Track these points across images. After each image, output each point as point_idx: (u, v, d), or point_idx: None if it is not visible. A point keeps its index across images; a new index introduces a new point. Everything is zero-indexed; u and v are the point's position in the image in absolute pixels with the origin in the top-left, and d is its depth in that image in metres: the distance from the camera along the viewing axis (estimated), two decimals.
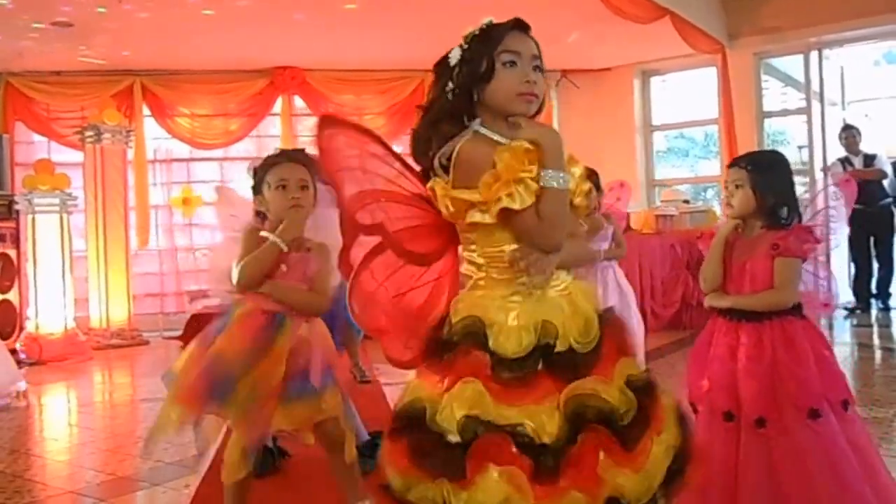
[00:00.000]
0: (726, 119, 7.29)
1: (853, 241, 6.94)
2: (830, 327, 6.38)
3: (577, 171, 1.49)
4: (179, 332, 6.84)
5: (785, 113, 8.44)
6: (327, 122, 1.44)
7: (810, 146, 7.46)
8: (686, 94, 8.96)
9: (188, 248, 7.82)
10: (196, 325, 6.66)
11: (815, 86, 7.37)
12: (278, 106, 7.89)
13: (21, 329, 6.31)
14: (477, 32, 1.44)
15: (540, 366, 1.33)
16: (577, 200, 1.48)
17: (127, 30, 6.19)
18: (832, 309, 2.47)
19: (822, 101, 7.38)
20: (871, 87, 9.65)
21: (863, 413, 3.49)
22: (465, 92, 1.43)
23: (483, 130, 1.44)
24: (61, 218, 6.40)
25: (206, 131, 7.85)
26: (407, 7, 5.95)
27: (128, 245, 7.07)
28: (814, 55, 7.34)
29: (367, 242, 1.47)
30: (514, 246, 1.38)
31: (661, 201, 7.91)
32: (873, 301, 6.92)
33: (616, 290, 3.51)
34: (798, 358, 1.91)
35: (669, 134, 9.96)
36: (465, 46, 1.44)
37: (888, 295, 6.92)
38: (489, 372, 1.32)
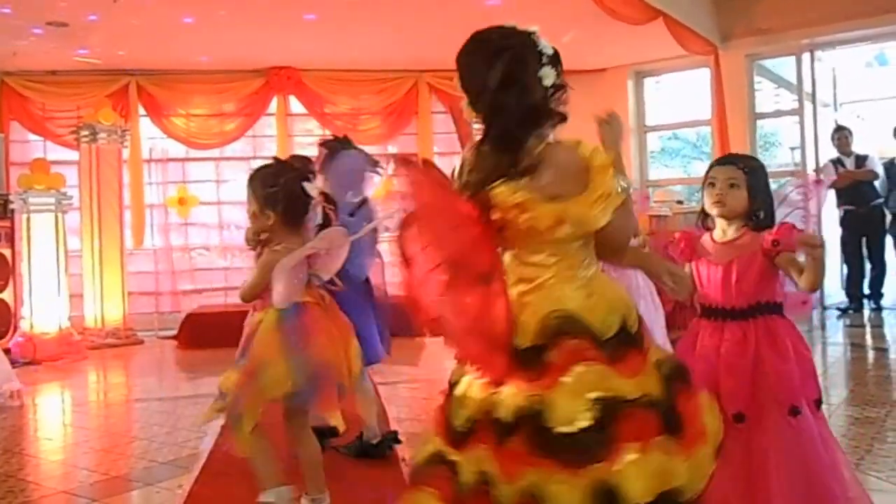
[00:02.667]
0: (719, 120, 7.32)
1: (845, 242, 6.99)
2: (823, 327, 6.42)
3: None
4: (174, 332, 6.85)
5: (777, 114, 8.47)
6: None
7: (802, 147, 7.49)
8: (679, 96, 9.00)
9: (184, 247, 7.83)
10: (191, 324, 6.69)
11: (807, 87, 7.39)
12: (274, 106, 7.90)
13: (15, 328, 6.31)
14: (553, 49, 1.47)
15: None
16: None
17: (122, 29, 6.19)
18: (810, 308, 2.49)
19: (814, 102, 7.41)
20: (863, 89, 9.71)
21: (855, 413, 3.56)
22: (559, 94, 1.45)
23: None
24: (56, 217, 6.41)
25: (202, 131, 7.86)
26: (403, 7, 5.97)
27: (123, 244, 7.08)
28: (806, 56, 7.37)
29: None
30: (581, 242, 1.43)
31: (655, 202, 7.93)
32: (866, 301, 6.96)
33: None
34: (781, 355, 1.93)
35: (662, 135, 10.01)
36: (551, 52, 1.45)
37: (880, 295, 6.96)
38: (596, 353, 1.35)
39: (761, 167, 2.10)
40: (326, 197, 2.58)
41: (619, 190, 1.41)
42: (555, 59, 1.45)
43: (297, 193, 2.33)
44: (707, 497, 1.90)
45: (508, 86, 1.39)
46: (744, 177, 2.01)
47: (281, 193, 2.31)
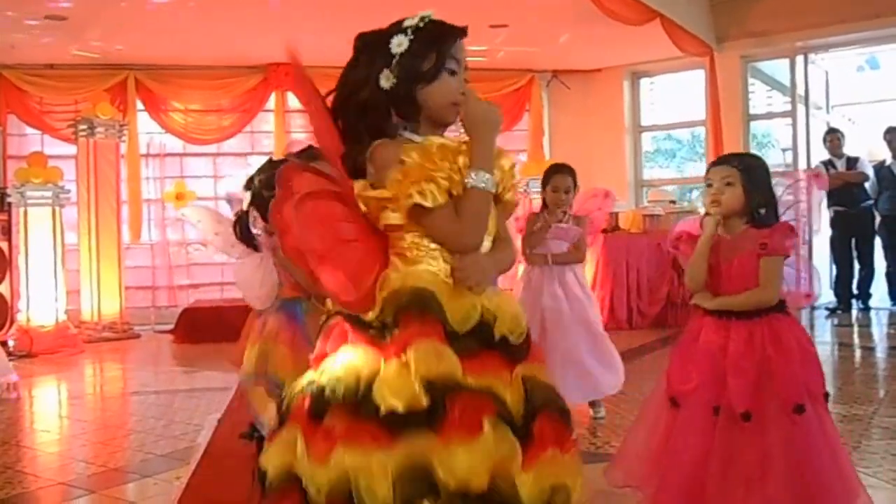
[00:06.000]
0: (713, 121, 7.39)
1: (835, 243, 7.08)
2: (812, 326, 6.49)
3: (507, 163, 1.44)
4: (171, 326, 6.88)
5: (770, 116, 8.55)
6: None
7: (794, 149, 7.58)
8: (674, 96, 9.07)
9: (180, 242, 7.86)
10: (188, 319, 6.72)
11: (800, 90, 7.48)
12: (272, 102, 7.92)
13: (12, 322, 6.33)
14: (422, 25, 1.38)
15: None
16: (508, 196, 1.45)
17: (121, 24, 6.22)
18: (813, 300, 2.52)
19: (806, 104, 7.49)
20: (855, 92, 9.81)
21: (843, 410, 3.59)
22: (406, 88, 1.37)
23: (409, 136, 1.40)
24: (53, 211, 6.43)
25: (200, 126, 7.88)
26: (401, 4, 6.00)
27: (120, 239, 7.09)
28: (800, 59, 7.45)
29: None
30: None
31: (648, 201, 8.01)
32: (854, 301, 7.04)
33: (577, 292, 3.37)
34: (786, 355, 1.95)
35: (657, 135, 10.07)
36: (412, 37, 1.37)
37: (868, 295, 7.04)
38: (444, 339, 1.28)
39: (760, 164, 2.11)
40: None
41: (471, 183, 1.33)
42: (406, 54, 1.36)
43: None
44: (710, 492, 1.88)
45: (343, 84, 1.43)
46: (739, 174, 2.02)
47: None
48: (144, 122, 7.75)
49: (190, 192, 7.69)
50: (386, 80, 1.37)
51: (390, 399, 1.22)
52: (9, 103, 7.33)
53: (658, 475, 2.01)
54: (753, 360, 1.94)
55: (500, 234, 1.46)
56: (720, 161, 2.11)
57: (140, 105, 7.62)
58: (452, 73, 1.40)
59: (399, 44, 1.37)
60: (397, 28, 1.40)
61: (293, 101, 8.02)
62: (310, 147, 2.99)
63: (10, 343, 6.00)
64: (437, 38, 1.39)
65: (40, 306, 6.28)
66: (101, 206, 6.90)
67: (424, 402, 1.22)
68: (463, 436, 1.21)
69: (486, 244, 1.42)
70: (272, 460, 1.31)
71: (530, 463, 1.24)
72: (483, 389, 1.25)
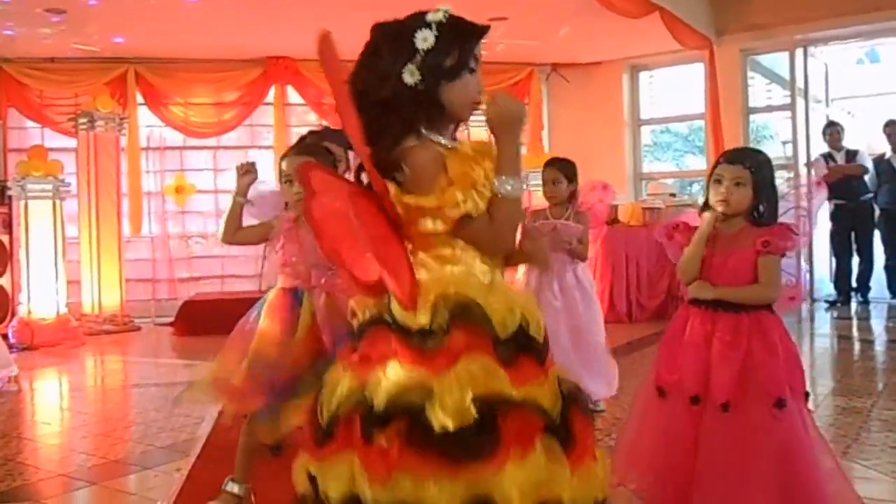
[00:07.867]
0: (713, 114, 7.38)
1: (835, 236, 7.08)
2: (812, 319, 6.52)
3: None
4: (171, 319, 6.91)
5: (770, 109, 8.55)
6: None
7: (794, 142, 7.57)
8: (673, 90, 9.06)
9: (181, 235, 7.88)
10: (188, 311, 6.74)
11: (799, 83, 7.46)
12: (272, 96, 7.92)
13: (13, 314, 6.35)
14: (444, 21, 1.34)
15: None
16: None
17: (121, 17, 6.21)
18: (797, 304, 2.54)
19: (806, 98, 7.48)
20: (854, 85, 9.80)
21: (842, 403, 3.63)
22: (433, 87, 1.33)
23: (434, 137, 1.37)
24: (54, 204, 6.44)
25: (200, 119, 7.88)
26: None
27: (120, 231, 7.11)
28: (799, 52, 7.44)
29: None
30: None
31: (648, 194, 8.02)
32: (853, 294, 7.05)
33: (575, 294, 3.33)
34: (771, 350, 1.98)
35: (655, 128, 10.06)
36: (436, 33, 1.32)
37: (867, 288, 7.05)
38: (492, 350, 1.28)
39: (767, 163, 2.11)
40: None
41: (501, 191, 1.31)
42: (432, 51, 1.32)
43: None
44: (690, 484, 1.93)
45: (363, 76, 1.36)
46: (750, 176, 2.03)
47: None
48: (144, 115, 7.74)
49: (190, 185, 7.71)
50: (410, 76, 1.32)
51: (443, 418, 1.21)
52: (9, 97, 7.33)
53: (650, 466, 2.04)
54: (738, 352, 1.96)
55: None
56: (732, 159, 2.09)
57: (140, 98, 7.61)
58: (472, 71, 1.37)
59: (424, 39, 1.32)
60: (420, 21, 1.34)
61: (293, 94, 8.03)
62: (326, 129, 2.99)
63: (11, 335, 6.02)
64: (461, 36, 1.36)
65: (41, 299, 6.29)
66: (102, 199, 6.91)
67: (473, 415, 1.21)
68: (517, 453, 1.21)
69: None
70: (332, 484, 1.27)
71: (575, 466, 1.26)
72: (529, 402, 1.26)
